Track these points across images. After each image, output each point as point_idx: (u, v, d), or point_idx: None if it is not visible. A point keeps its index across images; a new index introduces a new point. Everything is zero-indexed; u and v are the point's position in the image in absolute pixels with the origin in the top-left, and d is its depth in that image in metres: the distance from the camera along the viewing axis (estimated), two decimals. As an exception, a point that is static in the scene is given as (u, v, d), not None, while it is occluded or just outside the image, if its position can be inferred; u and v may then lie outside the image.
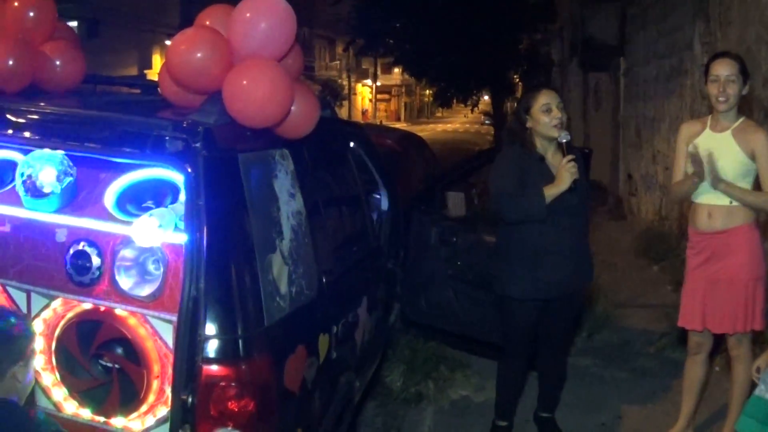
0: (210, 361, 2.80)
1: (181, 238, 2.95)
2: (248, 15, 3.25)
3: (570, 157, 4.17)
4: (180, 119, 3.06)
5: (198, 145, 2.94)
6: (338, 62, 53.97)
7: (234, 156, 3.06)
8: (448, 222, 5.95)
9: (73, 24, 26.84)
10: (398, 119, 68.03)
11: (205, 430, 2.81)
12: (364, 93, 62.67)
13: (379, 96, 62.77)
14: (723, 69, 4.15)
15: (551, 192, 4.19)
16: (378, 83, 58.00)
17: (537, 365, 5.04)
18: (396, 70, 32.18)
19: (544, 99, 4.31)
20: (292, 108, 3.37)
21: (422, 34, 23.33)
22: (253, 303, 2.93)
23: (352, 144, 5.08)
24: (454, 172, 6.51)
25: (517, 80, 28.19)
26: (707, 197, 4.28)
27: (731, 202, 4.21)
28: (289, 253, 3.24)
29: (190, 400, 2.80)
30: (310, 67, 49.75)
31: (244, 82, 3.13)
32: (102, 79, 4.31)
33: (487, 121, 35.59)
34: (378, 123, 51.14)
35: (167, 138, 2.97)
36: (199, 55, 3.17)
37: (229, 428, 2.80)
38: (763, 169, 4.13)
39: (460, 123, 59.30)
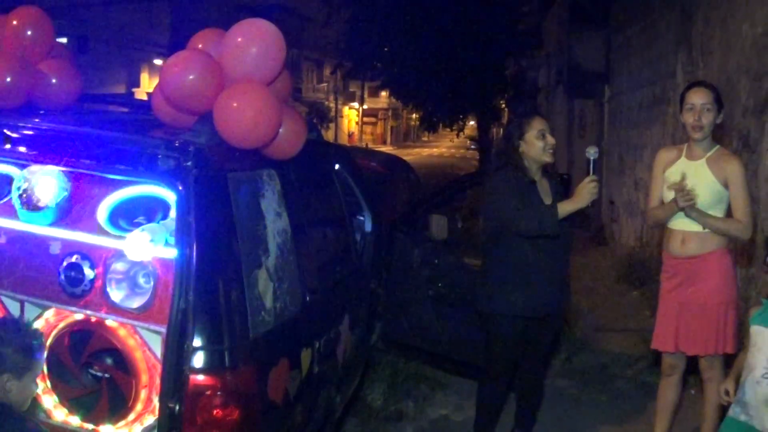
0: (197, 370, 2.91)
1: (171, 253, 3.07)
2: (239, 39, 3.40)
3: (592, 177, 4.18)
4: (172, 138, 3.19)
5: (189, 163, 3.07)
6: (326, 84, 54.18)
7: (223, 175, 3.19)
8: (430, 244, 6.08)
9: (63, 40, 27.03)
10: (384, 143, 68.21)
11: (191, 437, 2.91)
12: (351, 116, 62.89)
13: (365, 119, 63.03)
14: (698, 98, 4.24)
15: (566, 208, 4.26)
16: (365, 106, 58.29)
17: (515, 385, 5.14)
18: (383, 93, 32.42)
19: (539, 125, 4.46)
20: (280, 130, 3.51)
21: (409, 58, 23.50)
22: (239, 316, 3.05)
23: (337, 166, 5.21)
24: (438, 196, 6.63)
25: (503, 106, 28.39)
26: (681, 223, 4.33)
27: (704, 229, 4.27)
28: (275, 270, 3.37)
29: (177, 408, 2.91)
30: (298, 89, 49.93)
31: (234, 105, 3.27)
32: (96, 98, 4.44)
33: (472, 146, 35.83)
34: (364, 146, 51.37)
35: (160, 156, 3.09)
36: (191, 77, 3.30)
37: None
38: (734, 197, 4.21)
39: (446, 147, 59.51)
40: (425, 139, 69.31)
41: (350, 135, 61.46)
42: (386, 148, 60.04)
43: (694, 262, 4.32)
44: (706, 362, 4.46)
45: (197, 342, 2.92)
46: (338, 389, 4.26)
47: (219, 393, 2.92)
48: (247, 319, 3.08)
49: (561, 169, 6.77)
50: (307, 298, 3.68)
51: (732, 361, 4.65)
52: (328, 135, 53.39)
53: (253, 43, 3.39)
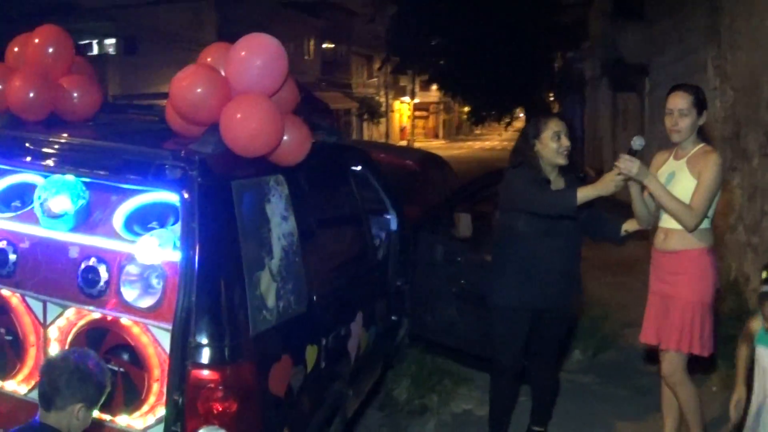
0: (198, 365, 3.14)
1: (178, 257, 3.29)
2: (243, 54, 3.60)
3: (623, 163, 4.10)
4: (179, 149, 3.41)
5: (194, 172, 3.29)
6: (376, 79, 54.34)
7: (227, 183, 3.40)
8: (453, 242, 6.23)
9: (112, 41, 27.83)
10: (436, 136, 68.24)
11: (193, 427, 3.14)
12: (402, 110, 62.91)
13: (417, 113, 62.98)
14: (675, 103, 4.31)
15: (587, 193, 4.32)
16: (416, 100, 58.28)
17: (529, 379, 5.28)
18: (434, 87, 32.47)
19: (555, 126, 4.56)
20: (285, 138, 3.71)
21: (456, 51, 23.62)
22: (240, 315, 3.27)
23: (359, 168, 5.40)
24: (462, 193, 6.76)
25: (552, 99, 28.30)
26: (665, 221, 4.42)
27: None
28: (278, 271, 3.57)
29: (180, 400, 3.14)
30: (348, 84, 50.22)
31: (238, 116, 3.48)
32: (116, 108, 4.70)
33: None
34: (413, 141, 51.43)
35: (167, 166, 3.33)
36: (198, 90, 3.51)
37: (215, 426, 3.13)
38: (698, 184, 4.22)
39: (498, 140, 59.26)
40: (478, 132, 68.92)
41: (402, 129, 61.55)
42: (438, 142, 60.11)
43: (673, 257, 4.40)
44: (668, 361, 4.50)
45: (199, 339, 3.15)
46: (351, 384, 4.44)
47: (218, 386, 3.13)
48: (248, 318, 3.29)
49: (607, 163, 6.71)
50: (314, 297, 3.88)
51: (698, 365, 4.69)
52: (380, 130, 53.64)
53: (257, 57, 3.59)
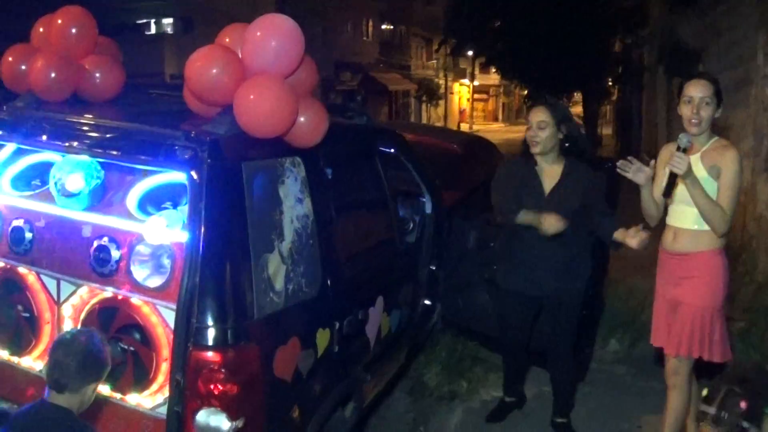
0: (200, 347, 3.14)
1: (185, 237, 3.30)
2: (258, 34, 3.57)
3: (678, 159, 3.91)
4: (190, 130, 3.41)
5: (204, 153, 3.29)
6: (435, 61, 54.06)
7: (237, 164, 3.39)
8: (486, 227, 6.16)
9: (169, 21, 28.13)
10: (496, 119, 67.75)
11: (194, 408, 3.15)
12: (461, 93, 62.58)
13: (476, 96, 62.53)
14: (698, 90, 4.04)
15: (526, 218, 4.67)
16: (476, 83, 57.83)
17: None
18: (493, 70, 32.19)
19: (532, 116, 4.73)
20: (301, 120, 3.68)
21: (514, 34, 23.35)
22: (245, 297, 3.26)
23: (391, 150, 5.34)
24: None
25: (611, 83, 27.80)
26: (674, 219, 4.23)
27: (696, 227, 4.11)
28: (289, 254, 3.56)
29: (182, 381, 3.14)
30: (407, 66, 50.06)
31: (251, 97, 3.45)
32: (139, 89, 4.73)
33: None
34: (472, 124, 51.09)
35: (177, 147, 3.33)
36: (212, 71, 3.49)
37: (215, 408, 3.13)
38: (722, 186, 4.02)
39: (557, 125, 58.49)
40: (537, 116, 68.17)
41: (461, 112, 61.26)
42: (497, 125, 59.74)
43: (684, 259, 4.19)
44: (673, 365, 4.31)
45: (201, 320, 3.15)
46: (369, 369, 4.42)
47: (220, 368, 3.13)
48: (253, 300, 3.28)
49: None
50: (328, 281, 3.85)
51: (704, 370, 4.48)
52: (438, 112, 53.44)
53: (272, 38, 3.56)
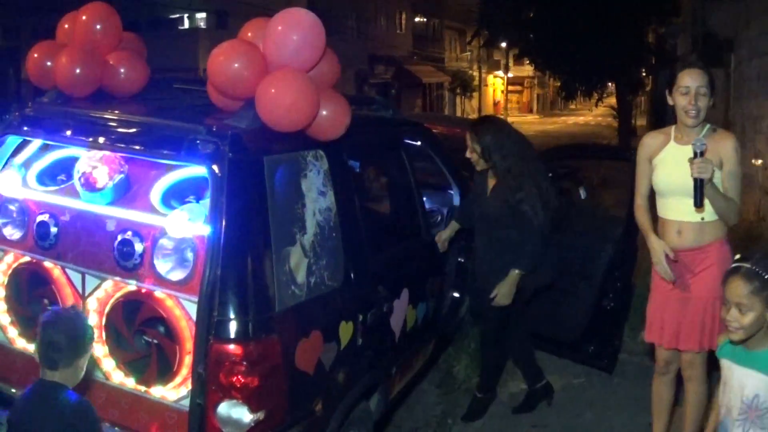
0: (221, 340, 3.16)
1: (207, 231, 3.32)
2: (280, 28, 3.57)
3: (701, 165, 3.83)
4: (212, 124, 3.42)
5: (225, 147, 3.31)
6: (468, 53, 53.86)
7: (259, 158, 3.40)
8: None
9: (202, 15, 28.31)
10: (530, 111, 67.34)
11: (215, 400, 3.17)
12: (496, 84, 62.34)
13: (511, 87, 62.21)
14: (694, 80, 3.89)
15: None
16: (510, 74, 57.54)
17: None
18: (528, 61, 32.03)
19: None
20: (323, 113, 3.68)
21: (547, 25, 23.20)
22: (266, 290, 3.27)
23: (417, 142, 5.34)
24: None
25: (644, 74, 27.52)
26: (677, 213, 4.05)
27: (702, 219, 3.96)
28: (311, 247, 3.56)
29: (204, 373, 3.17)
30: (441, 58, 49.93)
31: (273, 91, 3.46)
32: (163, 83, 4.76)
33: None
34: (506, 116, 50.88)
35: (199, 141, 3.35)
36: (235, 65, 3.51)
37: (236, 400, 3.15)
38: (728, 176, 3.92)
39: (592, 116, 58.14)
40: (572, 107, 67.83)
41: (496, 104, 61.02)
42: (532, 117, 59.38)
43: (693, 254, 4.03)
44: (688, 359, 4.18)
45: (223, 313, 3.17)
46: (394, 361, 4.42)
47: (241, 361, 3.14)
48: (274, 293, 3.29)
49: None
50: (351, 274, 3.86)
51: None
52: (473, 104, 53.25)
53: (293, 32, 3.56)
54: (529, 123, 48.50)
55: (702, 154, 3.77)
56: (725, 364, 3.24)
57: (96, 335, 3.61)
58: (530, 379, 5.48)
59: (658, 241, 4.09)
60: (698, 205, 3.83)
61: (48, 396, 2.96)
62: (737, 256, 3.07)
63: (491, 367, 5.41)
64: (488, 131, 4.77)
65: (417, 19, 47.13)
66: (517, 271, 4.76)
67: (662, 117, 23.74)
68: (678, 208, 4.02)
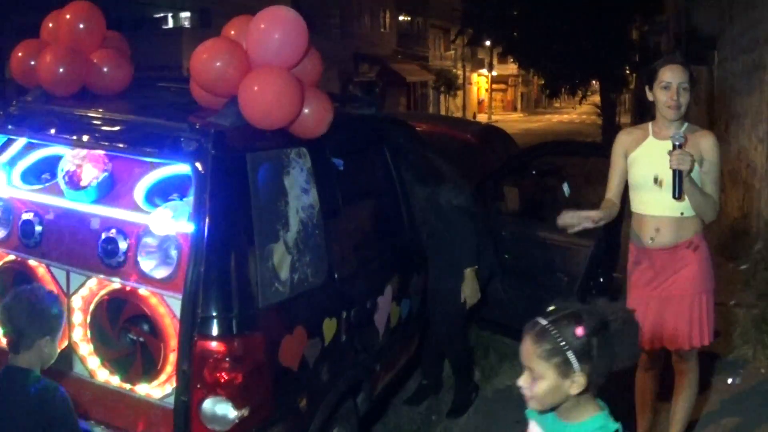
0: (205, 336, 3.18)
1: (190, 228, 3.33)
2: (262, 26, 3.59)
3: (680, 157, 3.82)
4: (195, 121, 3.44)
5: (208, 145, 3.33)
6: (453, 52, 53.92)
7: (242, 155, 3.42)
8: (498, 216, 6.17)
9: (186, 14, 28.29)
10: (514, 109, 67.52)
11: (200, 397, 3.19)
12: (480, 83, 62.43)
13: (495, 86, 62.29)
14: (675, 76, 3.87)
15: None
16: (494, 73, 57.64)
17: None
18: (512, 59, 32.11)
19: None
20: (305, 111, 3.70)
21: (531, 22, 23.27)
22: (249, 287, 3.29)
23: (401, 141, 5.36)
24: (509, 166, 6.68)
25: (628, 72, 27.64)
26: (654, 210, 4.00)
27: (681, 214, 3.91)
28: (294, 244, 3.58)
29: (188, 370, 3.18)
30: (425, 57, 49.95)
31: (255, 88, 3.48)
32: (146, 82, 4.77)
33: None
34: (490, 114, 50.95)
35: (182, 139, 3.37)
36: (218, 63, 3.53)
37: (220, 397, 3.17)
38: (707, 172, 3.90)
39: (576, 114, 58.35)
40: (557, 105, 67.97)
41: (480, 102, 61.13)
42: (516, 115, 59.57)
43: (671, 251, 3.97)
44: (680, 355, 4.15)
45: (206, 310, 3.19)
46: (379, 358, 4.44)
47: (225, 358, 3.17)
48: (258, 290, 3.31)
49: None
50: (335, 270, 3.88)
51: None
52: (457, 103, 53.31)
53: (275, 30, 3.58)
54: (513, 121, 48.64)
55: (681, 146, 3.77)
56: (532, 425, 2.57)
57: (82, 333, 3.65)
58: (429, 375, 5.70)
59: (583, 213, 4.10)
60: (676, 196, 3.80)
61: (12, 381, 2.94)
62: (551, 308, 2.42)
63: (466, 363, 5.55)
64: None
65: (401, 18, 47.16)
66: (469, 269, 4.98)
67: (646, 114, 23.86)
68: (656, 203, 3.98)
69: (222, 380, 3.15)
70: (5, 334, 3.01)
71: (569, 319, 2.31)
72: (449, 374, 5.96)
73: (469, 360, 5.61)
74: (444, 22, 48.79)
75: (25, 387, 2.92)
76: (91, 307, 3.61)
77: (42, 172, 4.03)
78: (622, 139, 4.16)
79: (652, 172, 3.97)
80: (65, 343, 3.64)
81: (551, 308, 2.42)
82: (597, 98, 31.37)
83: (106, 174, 3.66)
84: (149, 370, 3.50)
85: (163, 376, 3.48)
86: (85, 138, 3.63)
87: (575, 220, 4.07)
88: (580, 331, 2.27)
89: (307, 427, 3.66)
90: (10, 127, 4.02)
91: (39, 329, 2.98)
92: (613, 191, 4.20)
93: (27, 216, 3.82)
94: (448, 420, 5.40)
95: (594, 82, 29.04)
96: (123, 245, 3.54)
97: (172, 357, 3.43)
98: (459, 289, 5.07)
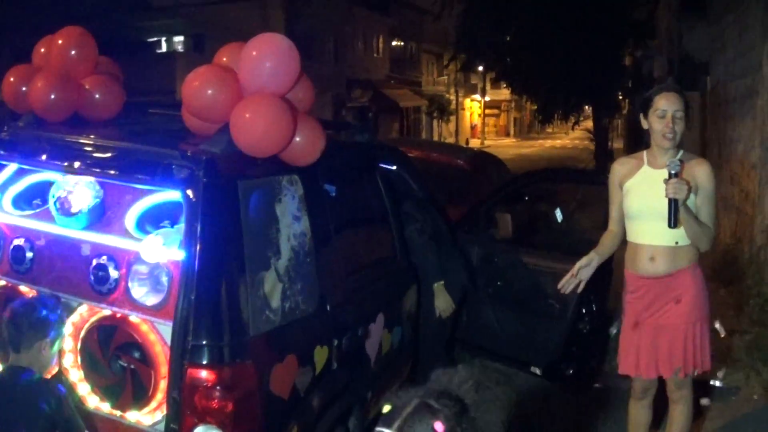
0: (195, 365, 3.17)
1: (181, 256, 3.32)
2: (254, 53, 3.60)
3: (676, 185, 3.83)
4: (187, 148, 3.44)
5: (200, 172, 3.32)
6: (446, 77, 54.16)
7: (233, 182, 3.42)
8: (490, 242, 6.18)
9: (180, 39, 28.40)
10: (507, 134, 67.83)
11: (190, 425, 3.18)
12: (473, 108, 62.68)
13: (488, 111, 62.51)
14: (671, 104, 3.90)
15: None
16: (487, 98, 57.88)
17: None
18: (504, 85, 32.25)
19: None
20: (297, 138, 3.70)
21: (523, 48, 23.39)
22: (240, 315, 3.28)
23: (393, 167, 5.37)
24: (500, 193, 6.68)
25: (621, 97, 27.79)
26: (650, 238, 4.01)
27: (677, 243, 3.94)
28: (285, 271, 3.57)
29: (178, 398, 3.16)
30: (417, 82, 50.17)
31: (247, 116, 3.48)
32: (138, 108, 4.78)
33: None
34: (483, 140, 51.08)
35: (173, 166, 3.37)
36: (209, 91, 3.53)
37: (210, 425, 3.15)
38: (703, 202, 3.93)
39: (569, 139, 58.55)
40: (549, 130, 68.10)
41: (473, 127, 61.33)
42: (509, 140, 59.80)
43: (667, 280, 4.00)
44: (675, 382, 4.17)
45: (197, 338, 3.18)
46: (371, 385, 4.41)
47: (215, 386, 3.15)
48: (249, 318, 3.30)
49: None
50: (326, 298, 3.87)
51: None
52: (450, 128, 53.50)
53: (268, 57, 3.59)
54: (506, 146, 48.79)
55: (677, 175, 3.78)
56: None
57: (72, 360, 3.63)
58: None
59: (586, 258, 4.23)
60: (672, 225, 3.82)
61: (12, 378, 3.27)
62: (386, 408, 1.99)
63: None
64: None
65: (394, 43, 47.39)
66: (436, 285, 5.19)
67: (639, 140, 23.98)
68: (651, 232, 4.00)
69: (212, 408, 3.14)
70: (8, 336, 3.33)
71: (420, 415, 1.87)
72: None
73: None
74: (437, 47, 49.01)
75: (23, 384, 3.23)
76: (82, 333, 3.59)
77: (33, 198, 4.03)
78: (616, 170, 4.18)
79: (646, 202, 3.99)
80: (56, 370, 3.62)
81: (387, 409, 1.97)
82: (590, 123, 31.50)
83: (97, 200, 3.65)
84: (140, 397, 3.47)
85: (153, 404, 3.45)
86: (76, 164, 3.63)
87: (570, 276, 4.25)
88: (439, 427, 1.84)
89: (298, 456, 3.63)
90: (0, 152, 4.02)
91: (38, 332, 3.33)
92: (614, 222, 4.27)
93: (18, 242, 3.81)
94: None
95: (587, 107, 29.20)
96: (114, 272, 3.53)
97: (163, 384, 3.40)
98: (433, 307, 5.21)
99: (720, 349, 6.54)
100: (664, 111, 3.91)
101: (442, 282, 5.16)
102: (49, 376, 3.49)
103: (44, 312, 3.37)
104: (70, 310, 3.64)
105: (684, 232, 3.90)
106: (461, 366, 2.06)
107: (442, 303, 5.17)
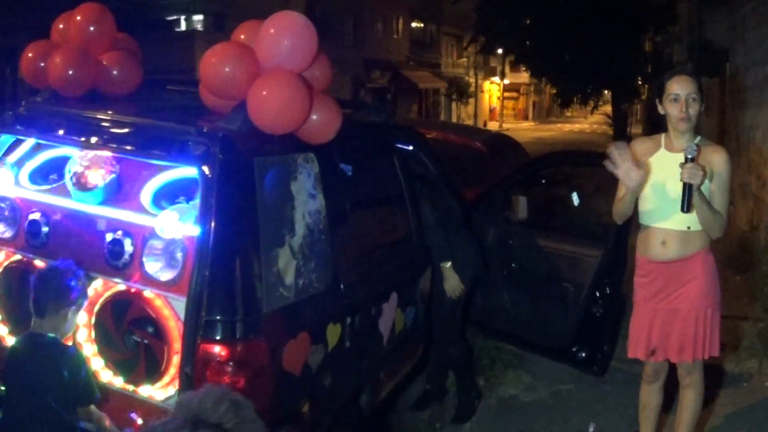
0: (208, 340, 3.18)
1: (196, 231, 3.34)
2: (272, 31, 3.60)
3: (692, 170, 3.80)
4: (203, 125, 3.45)
5: (216, 148, 3.33)
6: (465, 59, 53.89)
7: (249, 159, 3.43)
8: (505, 224, 6.17)
9: (199, 17, 28.36)
10: (526, 118, 67.41)
11: (202, 400, 3.17)
12: (492, 91, 62.30)
13: (507, 94, 62.13)
14: (684, 87, 3.88)
15: None
16: (506, 81, 57.55)
17: None
18: (524, 68, 32.15)
19: None
20: (313, 116, 3.70)
21: (544, 32, 23.29)
22: (254, 291, 3.30)
23: (409, 147, 5.36)
24: (517, 175, 6.66)
25: (640, 82, 27.61)
26: (662, 222, 4.00)
27: (689, 228, 3.93)
28: (300, 249, 3.58)
29: (191, 373, 3.18)
30: (437, 64, 49.97)
31: (264, 93, 3.49)
32: (157, 84, 4.79)
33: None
34: (502, 122, 50.92)
35: (190, 142, 3.38)
36: (227, 68, 3.53)
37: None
38: (716, 189, 3.90)
39: (588, 123, 58.25)
40: (568, 114, 67.82)
41: (492, 110, 61.05)
42: (527, 124, 59.52)
43: (678, 265, 3.99)
44: (686, 367, 4.17)
45: (210, 313, 3.20)
46: (382, 364, 4.44)
47: (228, 362, 3.17)
48: (262, 295, 3.32)
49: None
50: (340, 276, 3.88)
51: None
52: (468, 111, 53.30)
53: (285, 34, 3.59)
54: (524, 130, 48.58)
55: (693, 159, 3.76)
56: None
57: (86, 334, 3.67)
58: (433, 381, 5.71)
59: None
60: (685, 210, 3.80)
61: (36, 343, 3.38)
62: None
63: (465, 365, 5.60)
64: None
65: (414, 25, 47.18)
66: (444, 265, 5.15)
67: (658, 126, 23.83)
68: (664, 215, 3.99)
69: (225, 383, 3.15)
70: (35, 300, 3.39)
71: None
72: (453, 381, 5.96)
73: (468, 363, 5.62)
74: (457, 29, 48.78)
75: (47, 349, 3.36)
76: (96, 308, 3.63)
77: (50, 173, 4.06)
78: (635, 148, 4.12)
79: (660, 184, 3.98)
80: (69, 344, 3.66)
81: None
82: (608, 108, 31.35)
83: (113, 176, 3.67)
84: (152, 371, 3.51)
85: (166, 378, 3.48)
86: (93, 139, 3.65)
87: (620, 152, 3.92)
88: None
89: (310, 433, 3.66)
90: (18, 127, 4.05)
91: (64, 300, 3.39)
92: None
93: (34, 216, 3.84)
94: (452, 427, 5.39)
95: (606, 92, 29.06)
96: (129, 247, 3.56)
97: (176, 359, 3.43)
98: (443, 288, 5.19)
99: (734, 335, 6.55)
100: (678, 95, 3.89)
101: (450, 263, 5.14)
102: (69, 343, 3.57)
103: (72, 280, 3.40)
104: (86, 285, 3.67)
105: (696, 218, 3.88)
106: (209, 385, 1.74)
107: (449, 284, 5.16)
